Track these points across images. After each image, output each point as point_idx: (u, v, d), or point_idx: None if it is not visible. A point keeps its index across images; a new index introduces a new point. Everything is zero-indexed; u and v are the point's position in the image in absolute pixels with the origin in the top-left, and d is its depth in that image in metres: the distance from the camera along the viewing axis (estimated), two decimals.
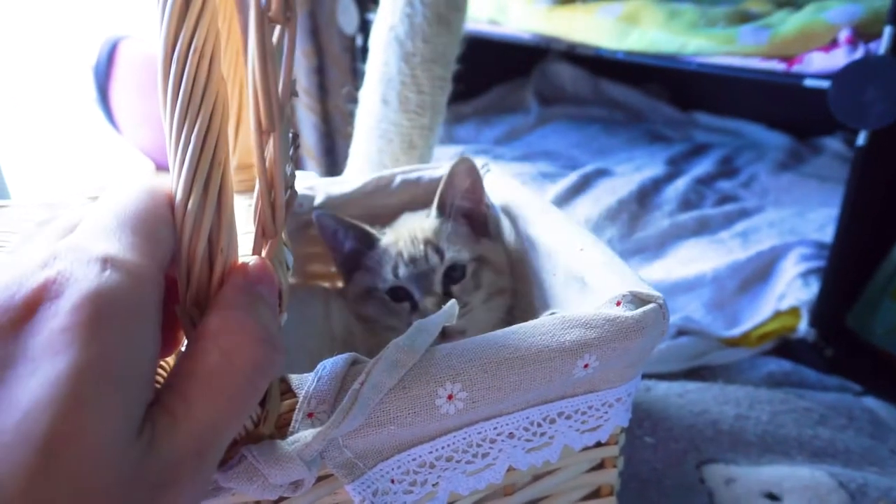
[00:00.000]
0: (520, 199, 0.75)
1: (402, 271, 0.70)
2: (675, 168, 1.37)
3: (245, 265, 0.37)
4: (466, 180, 0.76)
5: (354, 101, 0.99)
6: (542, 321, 0.48)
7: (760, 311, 0.93)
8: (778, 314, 0.92)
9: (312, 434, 0.39)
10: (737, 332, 0.91)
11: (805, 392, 0.82)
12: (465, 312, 0.70)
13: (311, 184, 0.79)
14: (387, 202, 0.81)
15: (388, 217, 0.82)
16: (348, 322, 0.73)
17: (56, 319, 0.27)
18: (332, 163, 1.77)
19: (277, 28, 0.39)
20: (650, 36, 0.95)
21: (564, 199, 1.18)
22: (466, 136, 1.62)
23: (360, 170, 0.99)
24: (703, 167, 1.39)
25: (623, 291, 0.50)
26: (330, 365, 0.43)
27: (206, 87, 0.36)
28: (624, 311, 0.49)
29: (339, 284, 0.82)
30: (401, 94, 0.93)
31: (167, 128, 0.36)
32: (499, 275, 0.75)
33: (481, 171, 0.82)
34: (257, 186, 0.39)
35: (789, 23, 0.88)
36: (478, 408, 0.45)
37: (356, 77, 1.53)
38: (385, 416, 0.42)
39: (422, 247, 0.72)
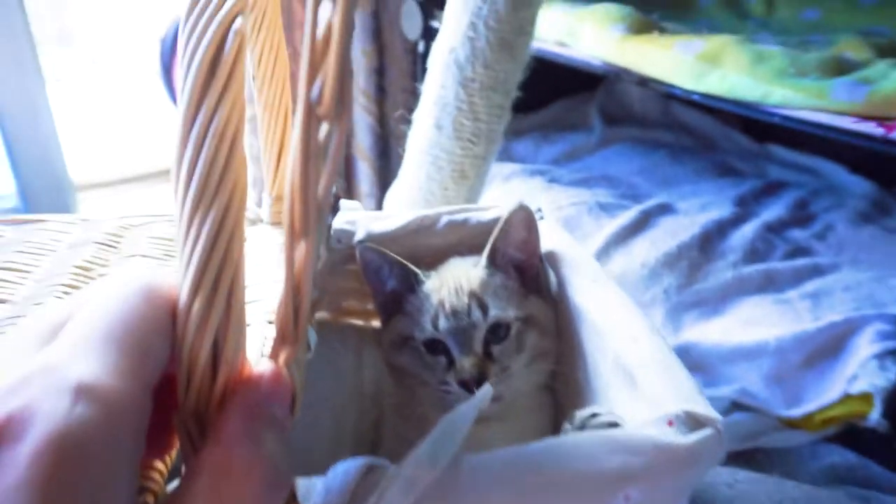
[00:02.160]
0: (570, 260, 0.69)
1: (441, 323, 0.66)
2: (744, 210, 1.27)
3: (257, 378, 0.33)
4: (522, 231, 0.71)
5: (407, 122, 0.94)
6: (583, 439, 0.43)
7: (827, 392, 0.85)
8: (847, 398, 0.83)
9: None
10: (798, 412, 0.83)
11: (872, 494, 0.74)
12: (505, 378, 0.65)
13: (353, 218, 0.75)
14: (431, 243, 0.77)
15: (431, 259, 0.77)
16: (379, 377, 0.69)
17: (12, 471, 0.24)
18: (386, 167, 1.73)
19: (325, 125, 0.35)
20: (731, 80, 0.87)
21: (621, 239, 1.11)
22: (524, 153, 1.55)
23: (405, 195, 0.95)
24: (774, 211, 1.29)
25: (677, 409, 0.44)
26: (342, 474, 0.39)
27: (223, 174, 0.32)
28: (676, 436, 0.43)
29: (375, 323, 0.79)
30: (455, 121, 0.88)
31: (178, 215, 0.32)
32: (544, 336, 0.70)
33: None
34: (283, 287, 0.35)
35: (892, 79, 0.78)
36: None
37: (416, 80, 1.49)
38: None
39: (465, 299, 0.67)
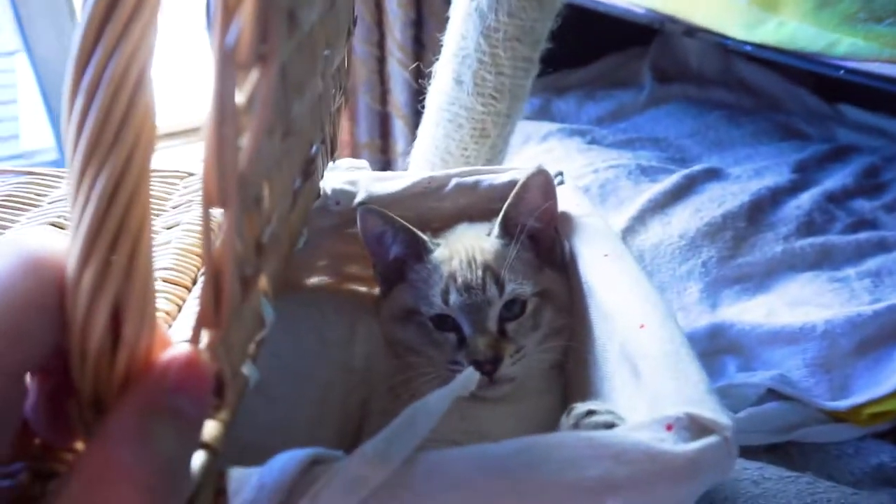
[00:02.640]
0: (582, 229, 0.62)
1: (453, 298, 0.61)
2: (804, 176, 1.16)
3: (162, 365, 0.29)
4: (541, 197, 0.64)
5: (414, 69, 0.88)
6: (560, 438, 0.37)
7: (881, 383, 0.76)
8: None
9: None
10: (845, 404, 0.75)
11: None
12: (518, 358, 0.60)
13: (354, 178, 0.70)
14: (438, 207, 0.71)
15: (438, 225, 0.72)
16: (372, 353, 0.64)
17: None
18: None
19: (253, 73, 0.30)
20: (790, 28, 0.76)
21: (660, 205, 1.02)
22: (566, 111, 1.46)
23: (422, 156, 0.89)
24: (839, 178, 1.16)
25: (678, 412, 0.38)
26: (279, 467, 0.35)
27: (123, 122, 0.28)
28: (674, 443, 0.37)
29: (377, 292, 0.74)
30: (476, 74, 0.81)
31: (69, 163, 0.28)
32: (559, 313, 0.64)
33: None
34: (204, 265, 0.31)
35: None
36: None
37: None
38: None
39: (479, 273, 0.62)
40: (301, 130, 0.51)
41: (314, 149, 0.58)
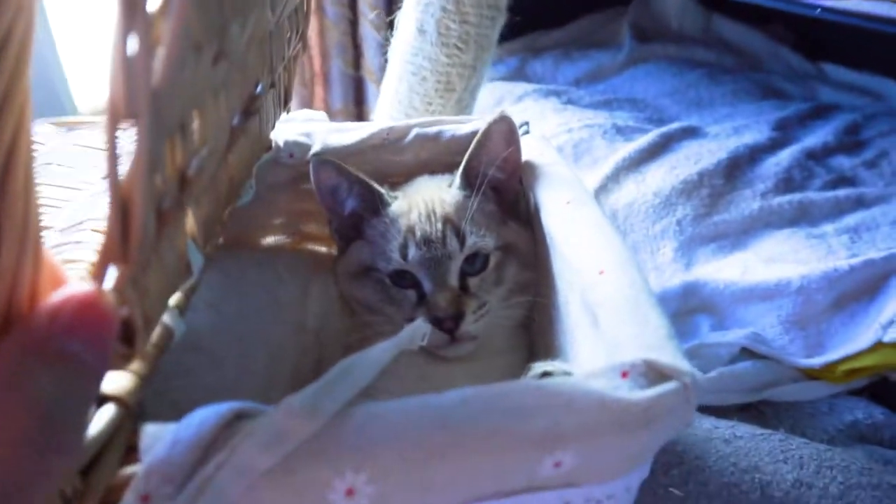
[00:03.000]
0: (545, 176, 0.59)
1: (412, 253, 0.58)
2: (784, 134, 1.13)
3: (56, 305, 0.26)
4: (503, 146, 0.61)
5: (387, 26, 0.84)
6: (506, 388, 0.34)
7: (856, 339, 0.74)
8: (880, 346, 0.72)
9: None
10: (819, 361, 0.73)
11: None
12: (481, 315, 0.57)
13: (308, 129, 0.67)
14: (397, 160, 0.68)
15: (399, 179, 0.68)
16: (327, 311, 0.61)
17: None
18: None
19: None
20: None
21: (635, 163, 0.99)
22: (542, 72, 1.42)
23: (386, 111, 0.85)
24: (819, 136, 1.14)
25: (635, 358, 0.35)
26: (197, 423, 0.32)
27: None
28: (629, 391, 0.34)
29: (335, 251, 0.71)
30: (440, 23, 0.77)
31: None
32: (524, 268, 0.61)
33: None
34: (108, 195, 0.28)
35: None
36: None
37: None
38: None
39: (439, 225, 0.59)
40: (242, 62, 0.47)
41: (259, 88, 0.54)
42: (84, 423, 0.29)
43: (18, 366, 0.24)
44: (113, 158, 0.27)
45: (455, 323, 0.56)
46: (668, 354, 0.36)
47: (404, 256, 0.59)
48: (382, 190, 0.62)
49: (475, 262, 0.59)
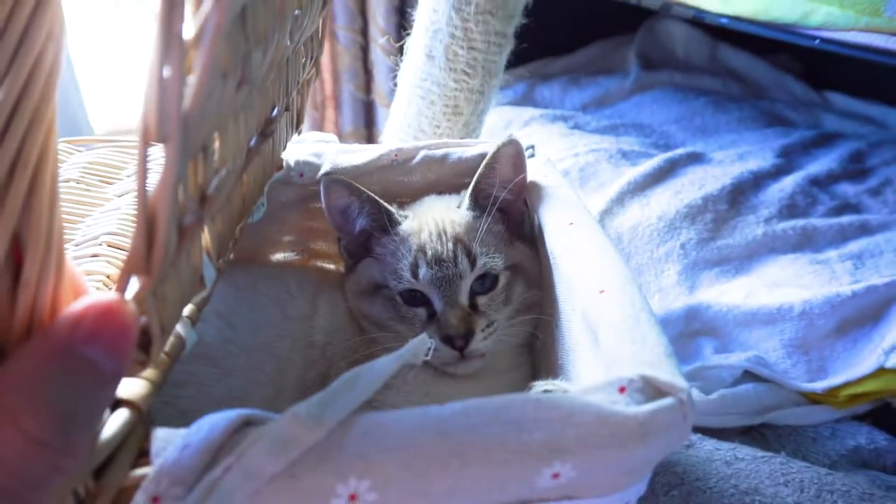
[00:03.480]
0: (549, 198, 0.61)
1: (423, 272, 0.59)
2: (788, 161, 1.14)
3: (78, 312, 0.27)
4: (511, 168, 0.63)
5: (395, 54, 0.86)
6: (507, 401, 0.35)
7: (859, 364, 0.74)
8: (882, 371, 0.72)
9: None
10: (822, 385, 0.73)
11: None
12: (490, 333, 0.59)
13: (318, 150, 0.69)
14: (404, 180, 0.69)
15: (405, 199, 0.70)
16: (334, 327, 0.62)
17: None
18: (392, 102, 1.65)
19: (206, 3, 0.28)
20: None
21: (640, 188, 1.00)
22: (549, 97, 1.44)
23: (394, 134, 0.87)
24: (823, 163, 1.15)
25: (632, 374, 0.36)
26: (207, 428, 0.33)
27: (26, 33, 0.26)
28: (626, 406, 0.35)
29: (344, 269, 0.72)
30: (448, 49, 0.79)
31: None
32: (530, 287, 0.62)
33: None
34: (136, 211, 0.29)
35: None
36: None
37: None
38: None
39: (450, 245, 0.60)
40: (262, 86, 0.49)
41: (275, 111, 0.56)
42: (98, 425, 0.30)
43: (39, 370, 0.25)
44: (143, 177, 0.28)
45: (465, 341, 0.58)
46: (666, 371, 0.37)
47: (415, 275, 0.60)
48: (392, 209, 0.64)
49: (485, 281, 0.61)
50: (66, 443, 0.25)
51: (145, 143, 0.27)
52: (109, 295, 0.28)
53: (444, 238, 0.61)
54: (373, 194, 0.63)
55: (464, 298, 0.60)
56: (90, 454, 0.29)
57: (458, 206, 0.65)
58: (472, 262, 0.60)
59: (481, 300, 0.60)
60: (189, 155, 0.33)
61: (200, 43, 0.29)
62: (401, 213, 0.65)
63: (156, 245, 0.30)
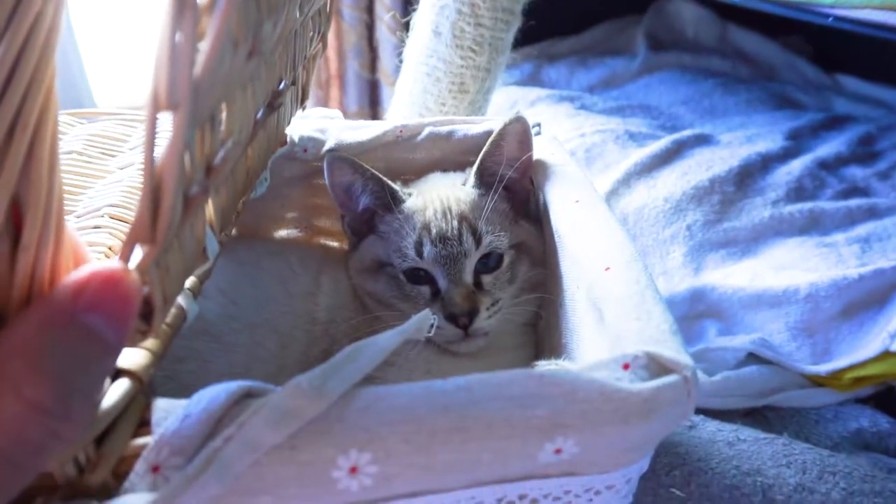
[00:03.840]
0: (556, 177, 0.60)
1: (427, 250, 0.59)
2: (797, 144, 1.13)
3: (81, 280, 0.27)
4: (517, 146, 0.62)
5: (403, 28, 0.85)
6: (509, 376, 0.35)
7: (864, 347, 0.74)
8: (887, 355, 0.72)
9: (143, 501, 0.29)
10: (826, 368, 0.73)
11: None
12: (494, 312, 0.59)
13: (322, 126, 0.68)
14: (409, 157, 0.69)
15: (409, 176, 0.69)
16: (337, 304, 0.62)
17: None
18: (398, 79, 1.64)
19: None
20: None
21: (647, 169, 0.99)
22: (556, 78, 1.43)
23: (400, 111, 0.86)
24: (832, 146, 1.14)
25: (637, 350, 0.36)
26: (208, 398, 0.33)
27: None
28: (629, 382, 0.35)
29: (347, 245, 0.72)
30: (455, 26, 0.78)
31: None
32: (535, 266, 0.62)
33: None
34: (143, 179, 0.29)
35: None
36: (394, 486, 0.33)
37: None
38: (259, 482, 0.31)
39: (455, 223, 0.60)
40: (270, 58, 0.48)
41: (282, 84, 0.55)
42: (98, 394, 0.30)
43: (40, 337, 0.25)
44: (150, 145, 0.28)
45: (469, 319, 0.57)
46: (670, 348, 0.36)
47: (419, 253, 0.59)
48: (396, 187, 0.63)
49: (489, 260, 0.60)
50: (66, 410, 0.25)
51: (155, 109, 0.27)
52: (113, 263, 0.28)
53: (448, 216, 0.61)
54: (377, 172, 0.62)
55: (468, 277, 0.59)
56: (90, 422, 0.28)
57: (464, 184, 0.64)
58: (478, 240, 0.59)
59: (486, 279, 0.60)
60: (197, 123, 0.33)
61: (214, 9, 0.29)
62: (405, 190, 0.64)
63: (161, 214, 0.29)
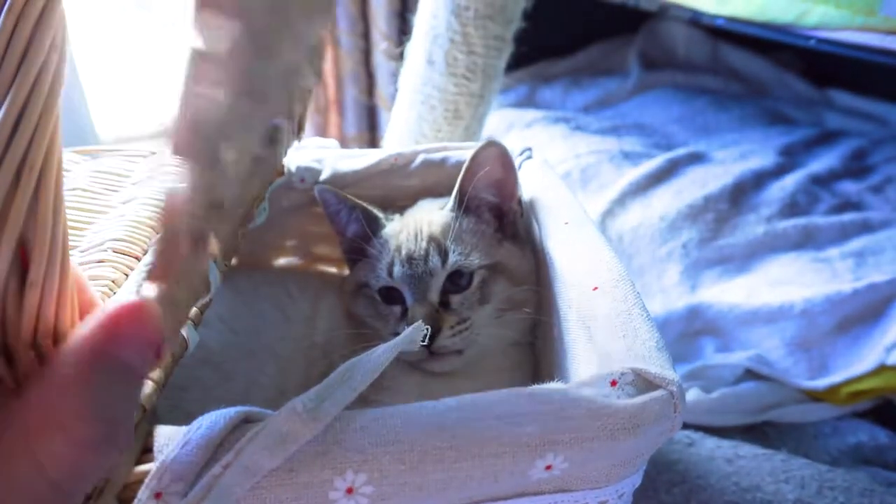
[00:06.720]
0: (547, 201, 0.61)
1: (396, 270, 0.60)
2: (790, 160, 1.14)
3: (115, 314, 0.28)
4: (495, 170, 0.63)
5: (397, 58, 0.87)
6: (500, 395, 0.36)
7: (860, 361, 0.74)
8: (883, 369, 0.73)
9: None
10: (823, 383, 0.73)
11: None
12: (460, 331, 0.59)
13: (319, 156, 0.70)
14: (404, 184, 0.70)
15: (405, 202, 0.71)
16: (334, 328, 0.63)
17: None
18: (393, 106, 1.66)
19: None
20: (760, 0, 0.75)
21: (641, 188, 1.01)
22: (551, 99, 1.45)
23: (396, 138, 0.88)
24: (825, 161, 1.15)
25: (623, 367, 0.37)
26: (208, 425, 0.34)
27: (32, 37, 0.27)
28: (617, 398, 0.36)
29: (347, 272, 0.73)
30: (448, 54, 0.80)
31: None
32: (517, 286, 0.62)
33: (518, 160, 0.69)
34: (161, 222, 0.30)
35: None
36: None
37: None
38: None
39: (423, 244, 0.61)
40: (268, 96, 0.50)
41: (279, 120, 0.57)
42: (133, 422, 0.31)
43: (83, 379, 0.26)
44: (172, 191, 0.29)
45: (433, 338, 0.57)
46: (657, 364, 0.37)
47: (390, 273, 0.61)
48: (379, 214, 0.65)
49: (459, 280, 0.61)
50: (113, 441, 0.26)
51: (174, 156, 0.28)
52: (133, 298, 0.29)
53: (419, 237, 0.62)
54: (360, 201, 0.63)
55: (434, 295, 0.60)
56: (132, 444, 0.30)
57: (441, 208, 0.66)
58: (444, 259, 0.60)
59: (454, 298, 0.60)
60: (208, 166, 0.34)
61: (230, 57, 0.30)
62: (388, 216, 0.66)
63: (177, 256, 0.31)
